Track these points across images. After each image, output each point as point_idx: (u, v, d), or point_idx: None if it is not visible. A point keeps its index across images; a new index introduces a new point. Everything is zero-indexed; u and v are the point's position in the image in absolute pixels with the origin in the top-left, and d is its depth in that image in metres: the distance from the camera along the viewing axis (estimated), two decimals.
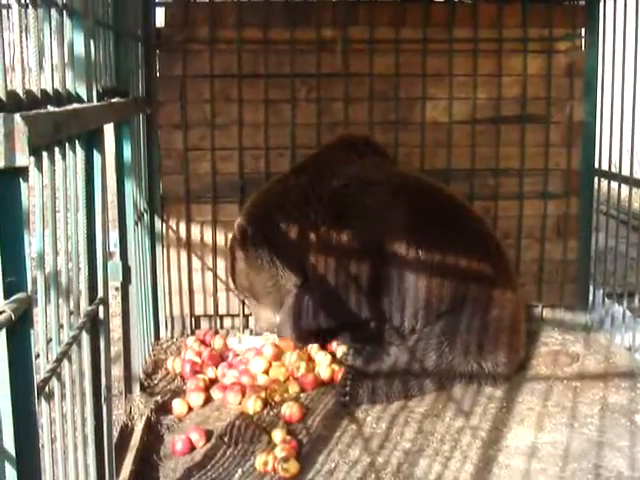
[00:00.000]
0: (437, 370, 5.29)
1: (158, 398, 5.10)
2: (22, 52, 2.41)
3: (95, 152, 3.34)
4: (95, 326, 3.30)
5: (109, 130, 4.19)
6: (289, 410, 4.92)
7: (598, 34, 6.30)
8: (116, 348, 4.86)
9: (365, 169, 5.82)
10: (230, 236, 6.11)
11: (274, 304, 6.05)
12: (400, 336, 5.61)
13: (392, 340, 5.63)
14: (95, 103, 3.39)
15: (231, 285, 6.26)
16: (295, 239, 5.82)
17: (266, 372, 5.46)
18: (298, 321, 5.83)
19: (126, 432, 4.63)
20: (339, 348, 5.81)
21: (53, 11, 2.91)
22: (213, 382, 5.43)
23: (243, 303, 6.44)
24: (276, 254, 5.86)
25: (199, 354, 5.79)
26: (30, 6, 2.58)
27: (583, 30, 6.49)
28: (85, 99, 3.24)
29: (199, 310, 6.55)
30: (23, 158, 2.11)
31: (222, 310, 6.54)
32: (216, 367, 5.59)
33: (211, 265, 6.44)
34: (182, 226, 6.41)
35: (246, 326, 6.53)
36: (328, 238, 5.68)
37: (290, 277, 5.90)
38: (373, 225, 5.61)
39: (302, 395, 5.28)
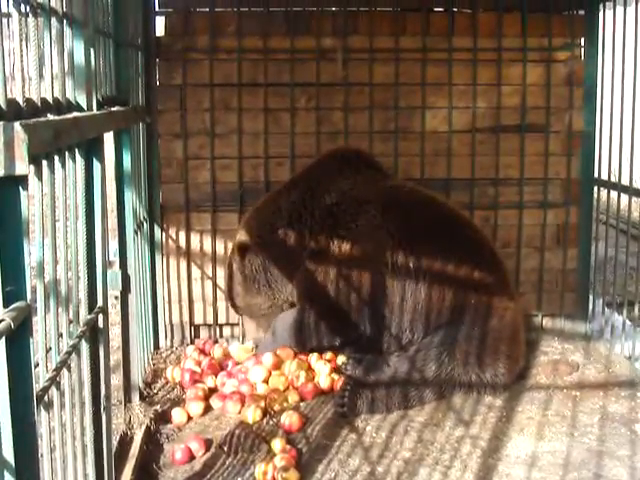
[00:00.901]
0: (437, 380, 5.28)
1: (157, 407, 5.10)
2: (22, 61, 2.42)
3: (95, 161, 3.34)
4: (94, 335, 3.29)
5: (109, 139, 4.19)
6: (289, 419, 4.91)
7: (597, 43, 6.31)
8: (115, 357, 4.86)
9: (357, 185, 5.83)
10: (230, 250, 6.14)
11: (268, 325, 6.06)
12: (399, 347, 5.61)
13: (391, 351, 5.63)
14: (95, 112, 3.40)
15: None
16: (290, 259, 5.83)
17: (265, 381, 5.46)
18: (299, 337, 5.83)
19: (125, 441, 4.62)
20: (338, 357, 5.81)
21: (53, 20, 2.92)
22: (212, 391, 5.43)
23: None
24: (273, 277, 5.91)
25: (198, 363, 5.78)
26: (30, 15, 2.58)
27: (582, 39, 6.51)
28: (85, 108, 3.24)
29: (199, 319, 6.54)
30: (23, 166, 2.11)
31: (222, 319, 6.53)
32: (215, 376, 5.59)
33: (211, 274, 6.44)
34: (182, 235, 6.41)
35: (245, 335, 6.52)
36: (322, 255, 5.69)
37: (287, 298, 5.93)
38: (366, 242, 5.62)
39: (302, 404, 5.28)
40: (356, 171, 5.92)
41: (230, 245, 6.22)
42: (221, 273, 6.37)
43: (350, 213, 5.71)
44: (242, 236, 5.91)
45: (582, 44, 6.51)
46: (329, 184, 5.84)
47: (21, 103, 2.42)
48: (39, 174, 2.51)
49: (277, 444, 4.60)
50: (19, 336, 2.21)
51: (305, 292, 5.79)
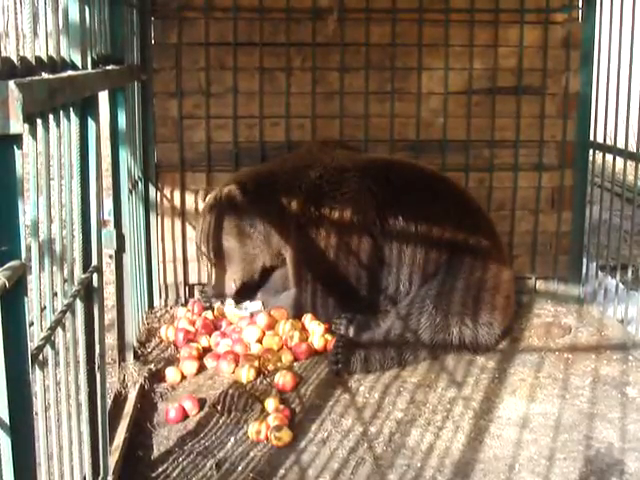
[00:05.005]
0: (427, 331, 5.35)
1: (151, 366, 5.11)
2: (16, 18, 2.39)
3: (89, 120, 3.32)
4: (89, 294, 3.29)
5: (104, 98, 4.17)
6: (282, 379, 4.94)
7: (595, 5, 6.27)
8: (110, 316, 4.87)
9: (336, 159, 5.91)
10: (209, 198, 6.06)
11: (243, 272, 6.05)
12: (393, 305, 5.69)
13: (384, 310, 5.71)
14: (90, 70, 3.38)
15: (197, 243, 6.16)
16: (283, 221, 5.87)
17: (259, 341, 5.47)
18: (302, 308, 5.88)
19: (120, 400, 4.64)
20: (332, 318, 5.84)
21: None
22: (206, 351, 5.45)
23: None
24: (267, 227, 5.89)
25: (192, 323, 5.79)
26: None
27: (580, 1, 6.46)
28: (80, 66, 3.21)
29: (193, 279, 6.55)
30: (17, 125, 2.09)
31: None
32: (209, 336, 5.60)
33: None
34: (176, 194, 6.40)
35: None
36: (312, 228, 5.76)
37: (274, 252, 5.98)
38: (353, 206, 5.71)
39: (295, 364, 5.31)
40: (334, 150, 6.06)
41: (210, 198, 6.10)
42: None
43: (333, 182, 5.77)
44: (236, 182, 5.89)
45: (580, 6, 6.46)
46: (312, 162, 5.90)
47: (15, 61, 2.40)
48: (34, 133, 2.50)
49: (270, 403, 4.63)
50: (14, 295, 2.20)
51: (300, 271, 5.87)
